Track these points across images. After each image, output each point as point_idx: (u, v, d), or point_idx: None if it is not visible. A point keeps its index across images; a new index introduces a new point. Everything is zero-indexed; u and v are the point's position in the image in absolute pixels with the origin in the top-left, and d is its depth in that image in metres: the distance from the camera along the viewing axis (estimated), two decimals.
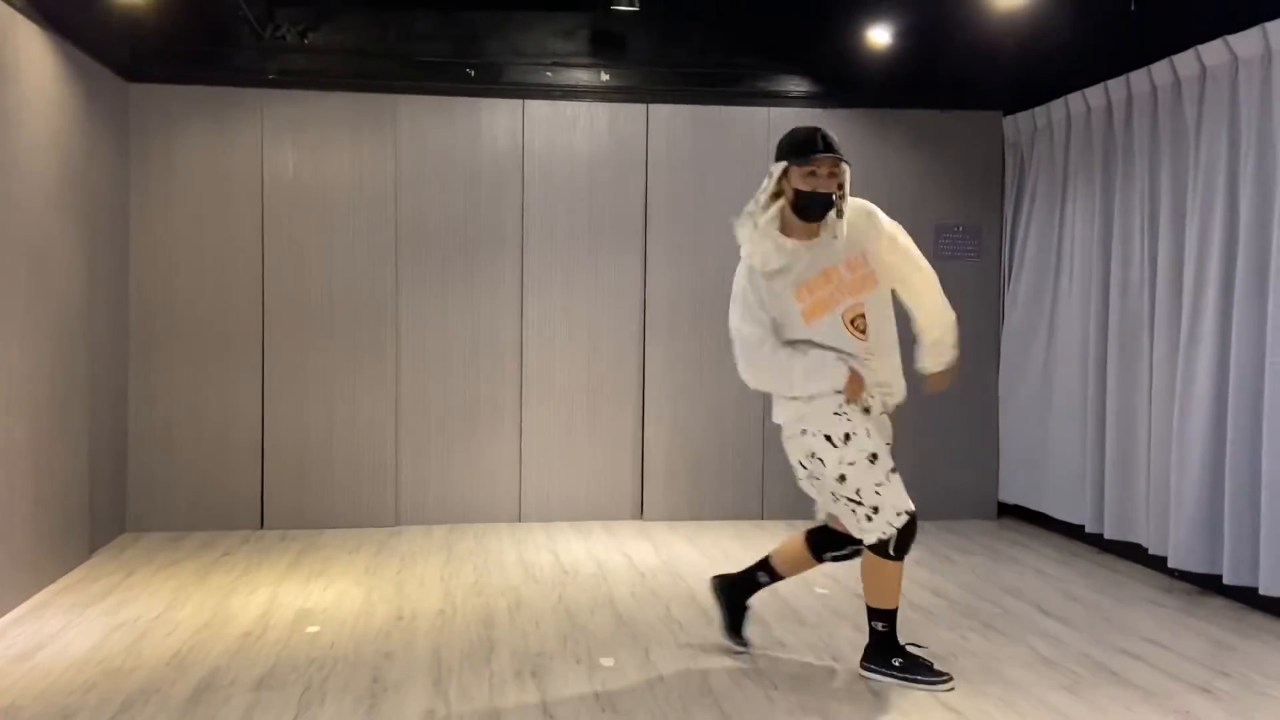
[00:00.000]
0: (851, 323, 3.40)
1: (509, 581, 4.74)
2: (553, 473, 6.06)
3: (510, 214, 5.98)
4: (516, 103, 5.96)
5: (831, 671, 3.58)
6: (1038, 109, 5.94)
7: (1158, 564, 4.83)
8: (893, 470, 3.40)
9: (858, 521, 3.39)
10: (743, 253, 3.44)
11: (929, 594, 4.58)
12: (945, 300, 3.64)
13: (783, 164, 3.36)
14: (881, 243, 3.47)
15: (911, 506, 3.41)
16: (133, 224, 5.65)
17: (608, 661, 3.65)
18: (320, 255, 5.84)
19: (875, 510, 3.35)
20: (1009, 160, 6.26)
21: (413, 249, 5.90)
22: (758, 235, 3.37)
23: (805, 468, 3.50)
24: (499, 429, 6.00)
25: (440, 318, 5.93)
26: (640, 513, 6.09)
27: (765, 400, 6.12)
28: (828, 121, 6.11)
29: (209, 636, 3.91)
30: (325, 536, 5.59)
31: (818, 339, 3.39)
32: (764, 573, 3.79)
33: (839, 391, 3.36)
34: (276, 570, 4.89)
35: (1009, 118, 6.22)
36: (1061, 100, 5.69)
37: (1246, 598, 4.33)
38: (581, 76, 6.00)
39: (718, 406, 6.10)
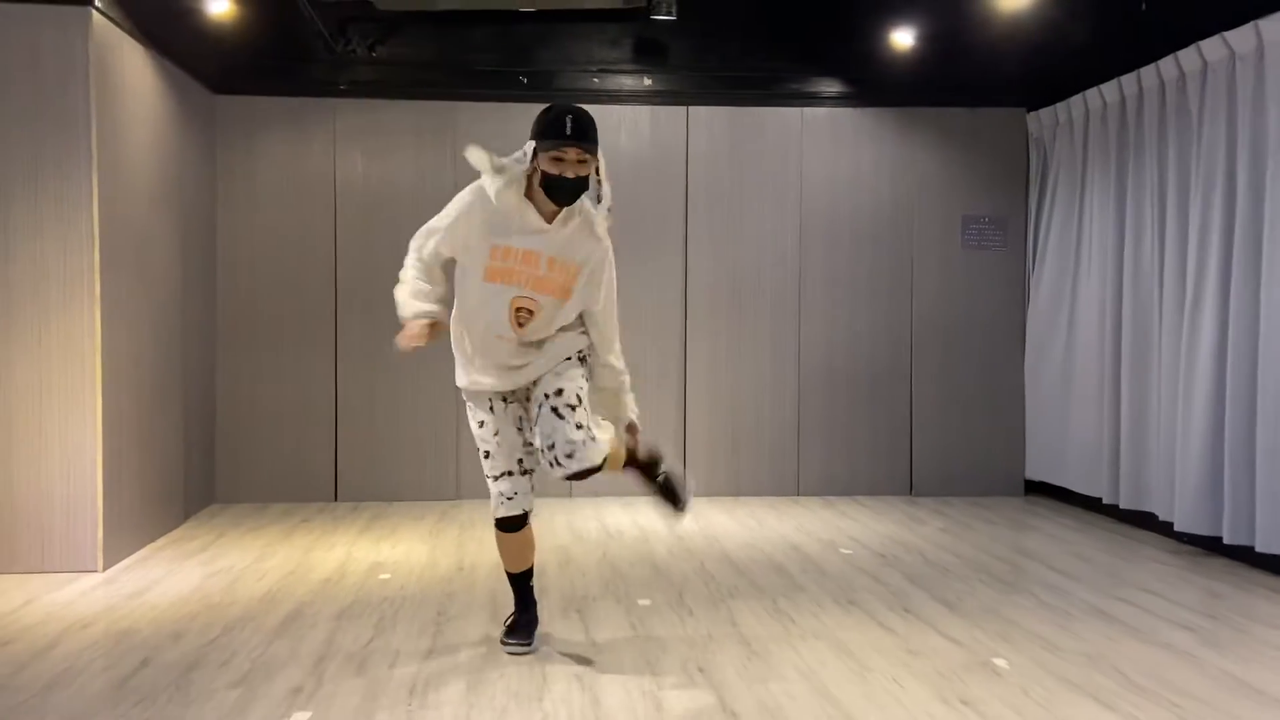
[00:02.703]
0: (515, 310, 3.26)
1: (559, 542, 5.19)
2: None
3: None
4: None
5: (847, 611, 3.96)
6: (1059, 105, 6.25)
7: (1168, 530, 5.13)
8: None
9: None
10: (482, 181, 3.23)
11: (948, 554, 4.93)
12: (619, 353, 3.49)
13: (531, 143, 3.17)
14: (582, 277, 3.30)
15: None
16: (220, 222, 6.23)
17: (644, 601, 4.08)
18: (387, 251, 6.30)
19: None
20: (1033, 154, 6.58)
21: None
22: (507, 181, 3.18)
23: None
24: None
25: None
26: None
27: (800, 381, 6.53)
28: (858, 120, 6.54)
29: (294, 581, 4.42)
30: (393, 507, 6.09)
31: (479, 297, 3.28)
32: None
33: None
34: (350, 533, 5.40)
35: (1032, 114, 6.54)
36: (1080, 96, 6.01)
37: (1245, 556, 4.62)
38: (626, 82, 6.45)
39: (755, 388, 6.51)
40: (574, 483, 3.51)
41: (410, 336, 3.25)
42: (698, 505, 6.19)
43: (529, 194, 3.24)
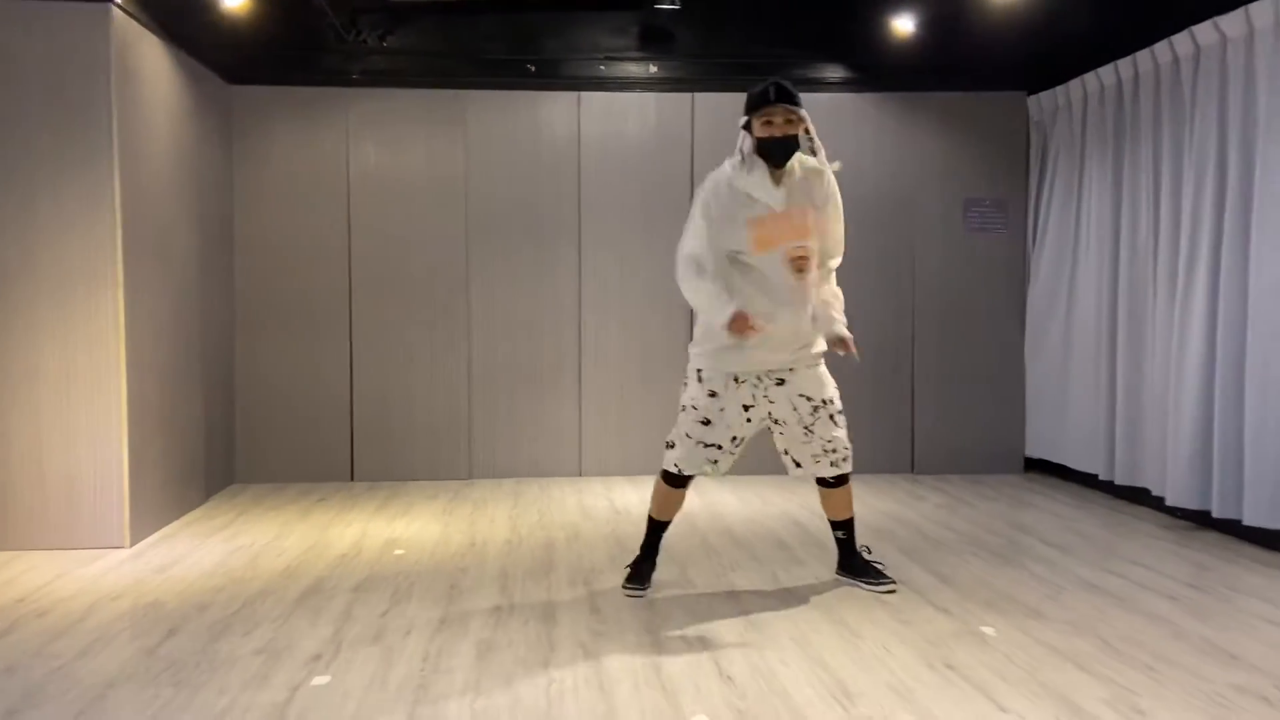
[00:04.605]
0: (792, 260, 3.72)
1: (568, 520, 5.36)
2: (610, 432, 6.66)
3: (568, 197, 6.59)
4: (572, 95, 6.56)
5: (841, 583, 4.10)
6: (1059, 88, 6.34)
7: (1160, 504, 5.26)
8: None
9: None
10: (715, 178, 3.78)
11: (945, 530, 5.08)
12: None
13: (745, 119, 3.71)
14: (828, 207, 3.80)
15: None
16: (236, 210, 6.40)
17: None
18: (399, 237, 6.51)
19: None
20: (1033, 137, 6.67)
21: (481, 230, 6.54)
22: (744, 173, 3.71)
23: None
24: (561, 392, 6.62)
25: (507, 292, 6.57)
26: None
27: None
28: (861, 105, 6.64)
29: (313, 556, 4.60)
30: (407, 487, 6.27)
31: (761, 267, 3.74)
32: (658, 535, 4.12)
33: (726, 330, 3.66)
34: (366, 511, 5.58)
35: (1033, 97, 6.62)
36: (1079, 80, 6.09)
37: (1233, 529, 4.75)
38: (632, 69, 6.56)
39: None
40: (681, 475, 4.03)
41: (744, 328, 3.65)
42: (705, 483, 6.37)
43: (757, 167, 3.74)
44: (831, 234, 3.86)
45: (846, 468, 3.97)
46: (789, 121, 3.69)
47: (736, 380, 3.86)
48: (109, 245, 4.70)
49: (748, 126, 3.72)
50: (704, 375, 3.90)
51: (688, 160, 6.62)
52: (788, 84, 3.73)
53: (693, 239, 3.81)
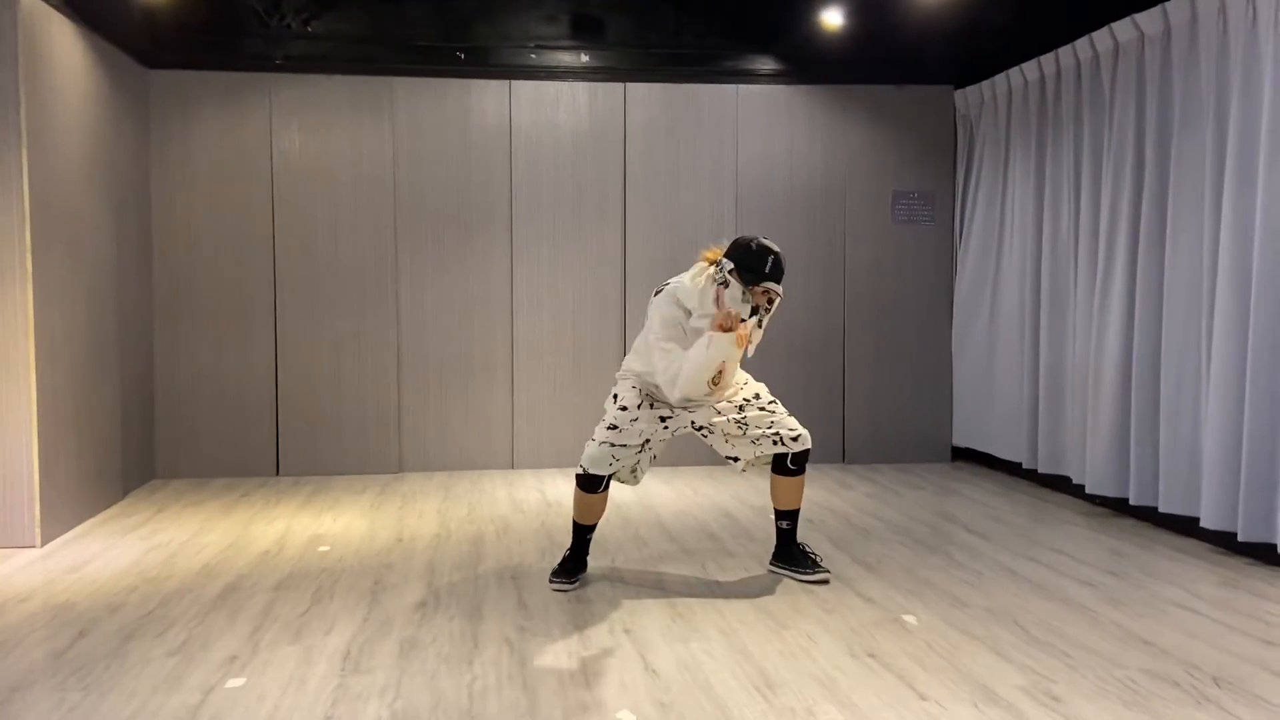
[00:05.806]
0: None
1: (498, 513, 5.31)
2: (542, 424, 6.62)
3: (499, 186, 6.52)
4: (503, 83, 6.48)
5: (773, 574, 4.12)
6: (984, 83, 6.43)
7: (1080, 492, 5.38)
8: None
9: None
10: (689, 303, 3.80)
11: (872, 519, 5.13)
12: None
13: (730, 264, 3.73)
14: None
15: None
16: (154, 198, 6.21)
17: None
18: (326, 226, 6.39)
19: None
20: (960, 131, 6.76)
21: (410, 219, 6.44)
22: (707, 298, 3.77)
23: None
24: (493, 385, 6.56)
25: (437, 282, 6.48)
26: None
27: None
28: (791, 97, 6.67)
29: (233, 554, 4.49)
30: (334, 481, 6.17)
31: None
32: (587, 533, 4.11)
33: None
34: (291, 507, 5.47)
35: (959, 91, 6.71)
36: (1004, 74, 6.19)
37: (1149, 516, 4.88)
38: (563, 58, 6.51)
39: None
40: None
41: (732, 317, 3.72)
42: None
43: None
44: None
45: (797, 446, 3.95)
46: (767, 296, 3.77)
47: (652, 404, 3.92)
48: (17, 235, 4.52)
49: (735, 272, 3.72)
50: (622, 397, 3.93)
51: (620, 150, 6.58)
52: (783, 260, 3.76)
53: (663, 354, 3.78)
